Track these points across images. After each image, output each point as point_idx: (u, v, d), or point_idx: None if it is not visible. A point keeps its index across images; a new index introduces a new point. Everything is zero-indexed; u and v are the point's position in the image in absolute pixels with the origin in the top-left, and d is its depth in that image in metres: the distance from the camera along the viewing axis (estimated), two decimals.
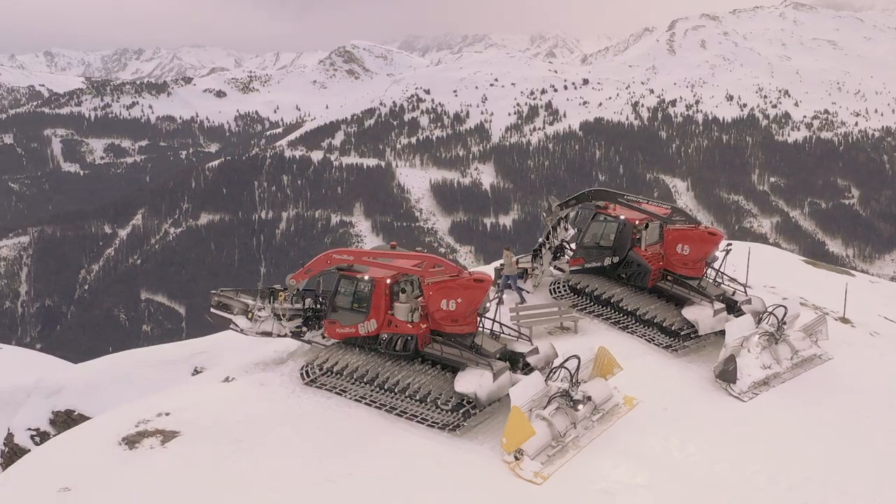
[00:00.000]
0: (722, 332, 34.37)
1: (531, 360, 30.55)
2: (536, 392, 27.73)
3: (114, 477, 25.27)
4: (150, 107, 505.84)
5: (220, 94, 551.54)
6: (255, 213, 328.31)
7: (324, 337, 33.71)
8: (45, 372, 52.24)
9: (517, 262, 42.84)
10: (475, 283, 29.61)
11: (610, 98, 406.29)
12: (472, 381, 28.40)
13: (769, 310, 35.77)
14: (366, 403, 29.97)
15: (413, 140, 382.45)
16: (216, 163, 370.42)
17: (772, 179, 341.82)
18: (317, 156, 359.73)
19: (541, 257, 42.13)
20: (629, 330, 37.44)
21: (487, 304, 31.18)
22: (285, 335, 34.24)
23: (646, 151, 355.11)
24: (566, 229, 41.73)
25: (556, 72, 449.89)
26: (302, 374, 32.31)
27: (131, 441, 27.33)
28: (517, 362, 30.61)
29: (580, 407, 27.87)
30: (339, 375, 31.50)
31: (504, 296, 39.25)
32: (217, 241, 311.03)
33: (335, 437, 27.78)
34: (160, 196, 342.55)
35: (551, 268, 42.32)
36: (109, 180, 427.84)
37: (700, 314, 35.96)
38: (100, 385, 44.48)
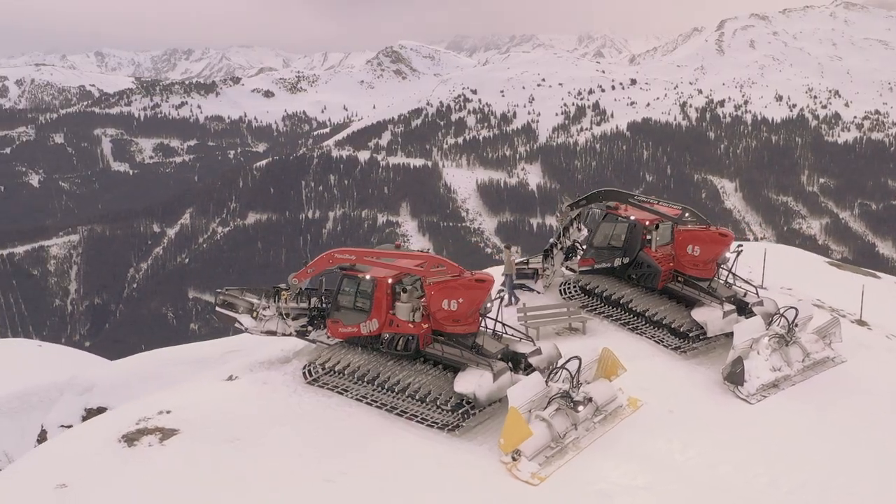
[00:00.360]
0: (731, 334, 34.03)
1: (533, 360, 30.57)
2: (536, 393, 27.75)
3: (111, 474, 25.49)
4: (199, 107, 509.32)
5: (268, 94, 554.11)
6: (301, 213, 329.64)
7: (328, 336, 33.97)
8: (81, 369, 52.56)
9: (527, 262, 43.25)
10: (477, 284, 29.76)
11: (658, 98, 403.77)
12: (472, 382, 28.50)
13: (780, 312, 35.44)
14: (366, 403, 30.11)
15: (460, 140, 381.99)
16: (264, 162, 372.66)
17: (821, 180, 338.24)
18: (364, 156, 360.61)
19: (552, 257, 42.02)
20: (638, 331, 37.27)
21: (489, 304, 31.26)
22: (290, 334, 34.49)
23: (693, 152, 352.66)
24: (579, 229, 41.78)
25: (603, 72, 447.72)
26: (304, 373, 32.53)
27: (131, 439, 27.54)
28: (519, 363, 30.61)
29: (580, 408, 27.85)
30: (340, 375, 31.72)
31: (513, 296, 40.20)
32: (264, 241, 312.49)
33: (334, 437, 27.90)
34: (208, 195, 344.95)
35: (563, 268, 42.23)
36: (158, 180, 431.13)
37: (709, 315, 35.76)
38: (130, 383, 44.81)
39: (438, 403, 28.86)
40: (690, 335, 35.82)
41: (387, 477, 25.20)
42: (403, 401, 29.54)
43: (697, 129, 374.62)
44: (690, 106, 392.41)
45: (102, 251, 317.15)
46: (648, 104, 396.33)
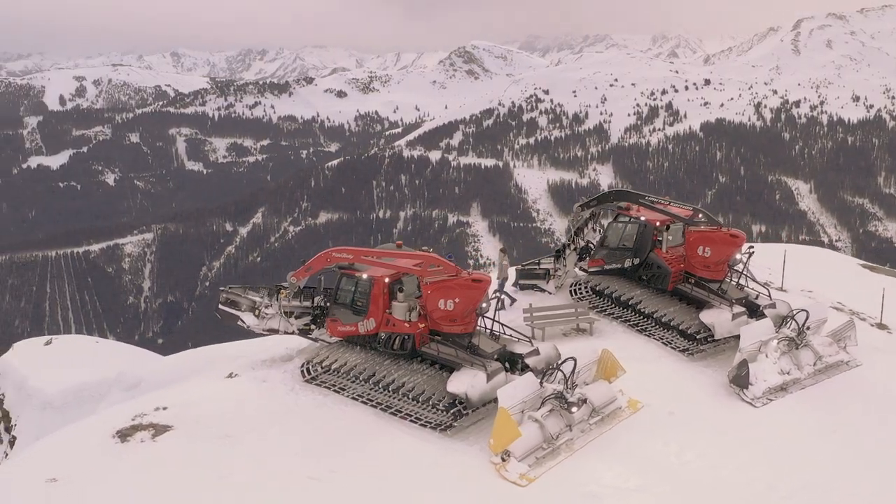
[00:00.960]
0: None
1: (530, 361, 30.42)
2: (528, 394, 27.66)
3: (101, 470, 25.83)
4: (272, 107, 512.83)
5: (340, 94, 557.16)
6: (373, 213, 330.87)
7: (329, 335, 34.06)
8: (133, 365, 53.05)
9: (538, 263, 43.13)
10: (473, 284, 29.81)
11: (732, 99, 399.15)
12: (465, 382, 28.50)
13: (790, 314, 34.99)
14: (362, 402, 30.24)
15: (531, 140, 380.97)
16: (335, 162, 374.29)
17: None
18: (435, 156, 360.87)
19: (564, 258, 41.88)
20: (647, 333, 36.98)
21: (484, 305, 31.00)
22: (292, 332, 34.81)
23: (768, 153, 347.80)
24: (594, 230, 41.94)
25: (677, 72, 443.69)
26: (302, 371, 32.80)
27: (124, 434, 28.00)
28: (516, 363, 30.52)
29: (574, 409, 27.71)
30: (338, 374, 31.88)
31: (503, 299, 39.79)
32: (335, 240, 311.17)
33: (325, 435, 28.02)
34: (280, 195, 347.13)
35: (576, 269, 42.03)
36: (231, 179, 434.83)
37: (718, 317, 35.36)
38: (174, 379, 45.22)
39: (432, 403, 28.94)
40: (698, 337, 35.58)
41: (374, 476, 25.33)
42: (399, 400, 29.68)
43: (772, 130, 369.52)
44: (765, 106, 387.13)
45: (176, 249, 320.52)
46: (722, 104, 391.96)
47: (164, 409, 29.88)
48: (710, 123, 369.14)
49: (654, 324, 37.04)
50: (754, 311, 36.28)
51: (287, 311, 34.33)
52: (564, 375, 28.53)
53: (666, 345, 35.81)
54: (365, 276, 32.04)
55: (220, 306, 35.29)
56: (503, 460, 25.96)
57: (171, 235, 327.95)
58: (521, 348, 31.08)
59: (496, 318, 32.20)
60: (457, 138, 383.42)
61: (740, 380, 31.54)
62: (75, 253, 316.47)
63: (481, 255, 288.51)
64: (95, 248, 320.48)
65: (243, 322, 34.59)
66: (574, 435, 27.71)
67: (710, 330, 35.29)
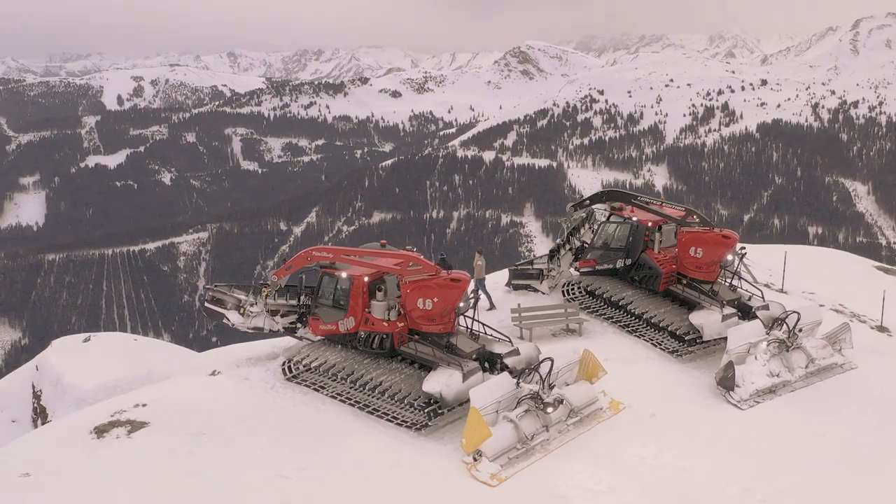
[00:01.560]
0: None
1: (509, 361, 30.28)
2: (503, 394, 27.62)
3: (74, 465, 26.16)
4: (328, 106, 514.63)
5: (395, 94, 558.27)
6: (426, 213, 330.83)
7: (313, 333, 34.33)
8: (167, 362, 53.54)
9: (531, 263, 44.02)
10: (452, 283, 29.97)
11: (789, 99, 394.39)
12: (440, 381, 28.57)
13: (781, 316, 34.56)
14: (340, 400, 30.38)
15: (585, 141, 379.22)
16: (389, 162, 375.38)
17: None
18: (489, 156, 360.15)
19: (558, 258, 41.79)
20: (637, 333, 36.86)
21: (462, 305, 31.11)
22: (277, 331, 35.15)
23: (825, 154, 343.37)
24: (591, 230, 41.86)
25: (733, 72, 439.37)
26: (284, 369, 32.98)
27: (101, 430, 28.34)
28: (496, 363, 30.36)
29: (550, 410, 27.66)
30: (317, 372, 32.09)
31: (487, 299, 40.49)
32: (388, 240, 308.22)
33: (299, 434, 28.18)
34: (334, 194, 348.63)
35: (571, 269, 41.54)
36: (286, 178, 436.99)
37: (707, 319, 35.12)
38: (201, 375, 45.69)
39: (407, 402, 29.04)
40: (686, 339, 35.34)
41: (342, 474, 25.41)
42: (376, 399, 29.80)
43: (829, 131, 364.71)
44: (822, 107, 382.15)
45: (230, 248, 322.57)
46: (779, 105, 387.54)
47: (144, 405, 30.23)
48: (767, 124, 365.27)
49: (643, 325, 36.96)
50: (746, 313, 35.99)
51: (273, 309, 34.63)
52: (540, 376, 28.47)
53: (655, 346, 35.72)
54: (344, 274, 32.32)
55: (206, 304, 35.72)
56: (475, 460, 26.03)
57: (226, 234, 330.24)
58: (500, 348, 31.04)
59: (476, 318, 32.25)
60: (511, 138, 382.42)
61: (727, 381, 31.34)
62: (131, 251, 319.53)
63: (535, 256, 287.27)
64: (151, 246, 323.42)
65: (228, 320, 34.90)
66: (551, 436, 27.71)
67: (698, 331, 35.12)
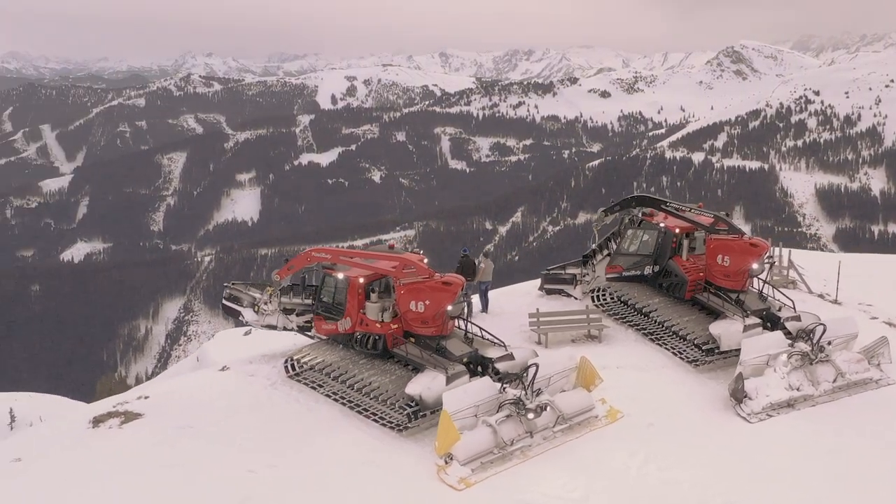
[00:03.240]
0: None
1: (501, 366, 30.28)
2: (483, 398, 27.68)
3: (62, 452, 27.61)
4: (536, 106, 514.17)
5: (604, 94, 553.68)
6: None
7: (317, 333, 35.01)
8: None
9: (563, 268, 43.26)
10: (443, 286, 30.25)
11: None
12: (422, 384, 28.92)
13: (806, 328, 33.31)
14: (333, 399, 30.81)
15: (799, 143, 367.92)
16: (596, 163, 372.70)
17: None
18: (698, 157, 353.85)
19: (592, 264, 41.49)
20: (659, 342, 35.99)
21: (450, 308, 30.75)
22: (291, 329, 35.87)
23: None
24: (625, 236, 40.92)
25: None
26: (286, 367, 33.57)
27: (98, 421, 29.61)
28: (487, 367, 30.34)
29: (531, 416, 27.49)
30: (316, 370, 32.59)
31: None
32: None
33: (283, 430, 28.80)
34: (540, 194, 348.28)
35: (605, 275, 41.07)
36: (493, 178, 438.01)
37: (726, 329, 34.06)
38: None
39: (390, 403, 29.36)
40: (704, 348, 34.34)
41: (310, 472, 25.83)
42: (366, 398, 30.15)
43: None
44: None
45: (437, 246, 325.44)
46: None
47: (146, 398, 31.42)
48: None
49: (666, 333, 36.15)
50: (775, 324, 34.65)
51: (289, 308, 35.50)
52: (522, 382, 28.43)
53: (675, 355, 34.84)
54: (341, 275, 32.89)
55: (224, 301, 36.82)
56: (446, 463, 26.16)
57: (432, 232, 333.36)
58: (493, 352, 31.11)
59: (469, 320, 32.74)
60: (721, 140, 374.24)
61: (737, 393, 30.53)
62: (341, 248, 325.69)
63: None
64: (360, 242, 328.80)
65: (243, 317, 35.93)
66: (534, 442, 27.56)
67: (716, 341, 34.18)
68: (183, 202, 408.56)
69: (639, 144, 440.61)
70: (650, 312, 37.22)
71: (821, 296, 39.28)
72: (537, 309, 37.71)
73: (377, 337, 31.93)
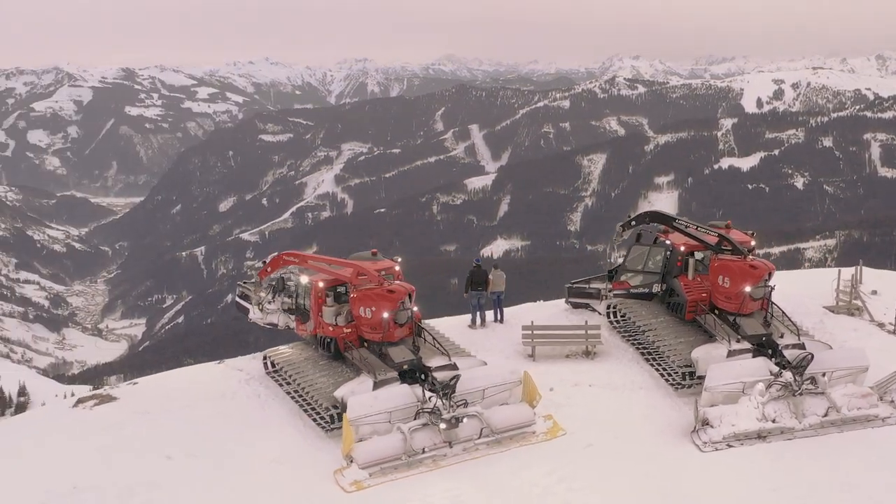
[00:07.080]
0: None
1: (439, 375, 30.24)
2: (396, 404, 28.16)
3: (37, 427, 30.88)
4: None
5: None
6: None
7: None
8: None
9: (588, 282, 41.65)
10: (387, 294, 30.85)
11: None
12: (349, 387, 29.60)
13: (798, 358, 31.01)
14: (290, 397, 31.77)
15: None
16: None
17: None
18: None
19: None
20: (651, 361, 34.69)
21: (386, 315, 31.00)
22: (291, 328, 36.09)
23: None
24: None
25: None
26: (264, 364, 34.58)
27: (79, 401, 32.17)
28: (427, 376, 30.51)
29: (443, 426, 27.68)
30: (285, 369, 33.16)
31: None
32: None
33: (225, 423, 29.93)
34: None
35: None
36: None
37: (707, 353, 32.36)
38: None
39: (322, 404, 30.01)
40: (680, 372, 32.80)
41: (226, 465, 26.98)
42: (308, 397, 30.87)
43: None
44: None
45: (856, 258, 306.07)
46: None
47: (135, 384, 33.75)
48: None
49: (655, 353, 34.74)
50: (774, 351, 32.45)
51: (291, 308, 35.97)
52: (441, 391, 28.75)
53: (662, 376, 33.56)
54: (305, 280, 34.07)
55: (236, 299, 38.83)
56: (347, 465, 26.83)
57: (854, 242, 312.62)
58: (437, 361, 31.13)
59: (427, 330, 33.08)
60: None
61: (696, 419, 29.20)
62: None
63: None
64: (776, 250, 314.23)
65: (251, 315, 37.13)
66: (452, 452, 27.78)
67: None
68: (601, 203, 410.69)
69: None
70: (647, 331, 35.79)
71: (881, 325, 36.27)
72: (531, 322, 36.85)
73: (329, 339, 32.78)
